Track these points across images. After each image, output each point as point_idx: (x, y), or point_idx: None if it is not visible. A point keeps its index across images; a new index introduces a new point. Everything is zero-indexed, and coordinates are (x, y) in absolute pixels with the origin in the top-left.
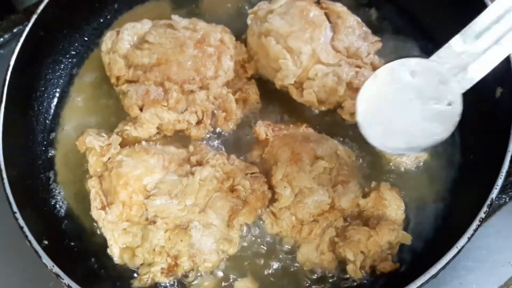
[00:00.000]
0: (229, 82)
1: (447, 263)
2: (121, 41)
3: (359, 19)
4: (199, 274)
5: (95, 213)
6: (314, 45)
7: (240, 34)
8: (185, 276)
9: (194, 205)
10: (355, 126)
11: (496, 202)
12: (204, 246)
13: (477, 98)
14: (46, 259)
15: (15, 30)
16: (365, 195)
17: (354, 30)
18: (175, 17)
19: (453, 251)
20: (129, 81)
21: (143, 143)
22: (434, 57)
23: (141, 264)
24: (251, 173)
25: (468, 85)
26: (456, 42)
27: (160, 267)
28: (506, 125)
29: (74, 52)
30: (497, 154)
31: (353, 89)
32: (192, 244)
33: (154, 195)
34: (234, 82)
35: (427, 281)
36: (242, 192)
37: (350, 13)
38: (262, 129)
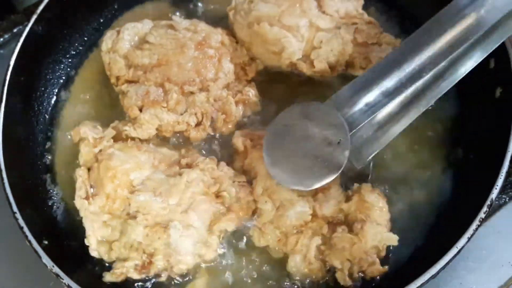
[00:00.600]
0: (229, 84)
1: (447, 263)
2: (122, 41)
3: None
4: (172, 275)
5: (79, 202)
6: (309, 16)
7: None
8: (158, 275)
9: (177, 205)
10: None
11: (496, 202)
12: (181, 247)
13: (477, 98)
14: (46, 259)
15: (15, 30)
16: (348, 199)
17: None
18: (176, 18)
19: (453, 251)
20: (129, 81)
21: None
22: (329, 101)
23: (116, 259)
24: (238, 182)
25: (355, 128)
26: (347, 89)
27: (134, 263)
28: (505, 125)
29: (74, 52)
30: (497, 154)
31: (359, 44)
32: (169, 243)
33: (139, 190)
34: (234, 84)
35: (427, 281)
36: (227, 199)
37: None
38: (240, 140)
